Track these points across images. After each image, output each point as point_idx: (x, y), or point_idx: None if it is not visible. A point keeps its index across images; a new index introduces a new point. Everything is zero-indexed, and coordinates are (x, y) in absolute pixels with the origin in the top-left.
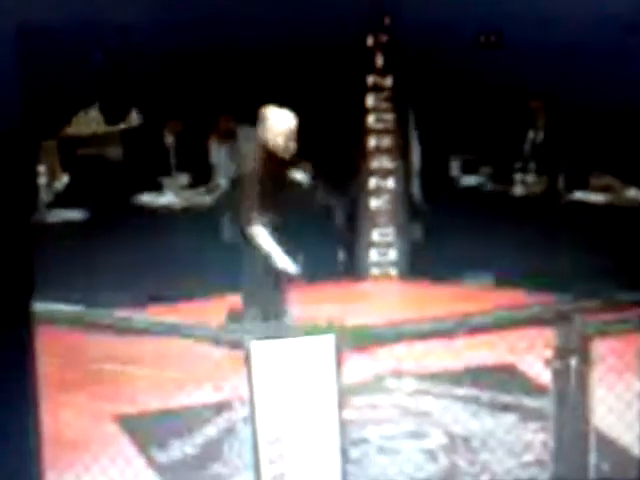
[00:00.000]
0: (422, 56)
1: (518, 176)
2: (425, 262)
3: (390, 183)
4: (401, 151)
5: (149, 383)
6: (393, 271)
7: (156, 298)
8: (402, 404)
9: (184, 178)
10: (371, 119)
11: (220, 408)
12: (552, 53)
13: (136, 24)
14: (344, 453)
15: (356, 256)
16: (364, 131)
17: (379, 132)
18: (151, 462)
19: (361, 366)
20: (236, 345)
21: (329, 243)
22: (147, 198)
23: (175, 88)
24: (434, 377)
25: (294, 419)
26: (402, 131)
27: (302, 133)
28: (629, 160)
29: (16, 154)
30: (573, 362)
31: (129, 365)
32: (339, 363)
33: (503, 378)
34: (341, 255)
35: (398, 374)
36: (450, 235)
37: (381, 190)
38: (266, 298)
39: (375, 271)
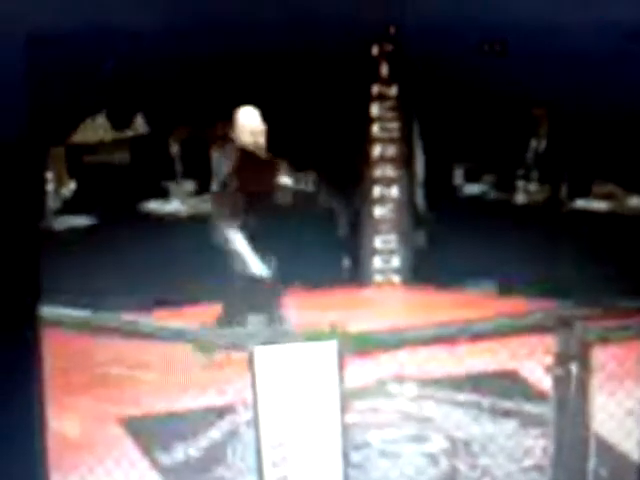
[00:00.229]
0: (427, 65)
1: (521, 184)
2: (428, 269)
3: (394, 191)
4: (405, 160)
5: (154, 386)
6: (396, 278)
7: (162, 303)
8: (404, 409)
9: (190, 185)
10: (376, 128)
11: (224, 412)
12: (555, 61)
13: (144, 32)
14: (346, 457)
15: (360, 263)
16: (368, 140)
17: (383, 141)
18: (155, 464)
19: (363, 371)
20: (240, 350)
21: (332, 249)
22: (153, 205)
23: (182, 95)
24: (436, 382)
25: (297, 423)
26: (406, 140)
27: (307, 141)
28: (631, 168)
29: (24, 161)
30: (574, 368)
31: (134, 369)
32: (341, 368)
33: (504, 384)
34: (346, 262)
35: (400, 379)
36: (453, 242)
37: (385, 198)
38: (249, 304)
39: (378, 278)
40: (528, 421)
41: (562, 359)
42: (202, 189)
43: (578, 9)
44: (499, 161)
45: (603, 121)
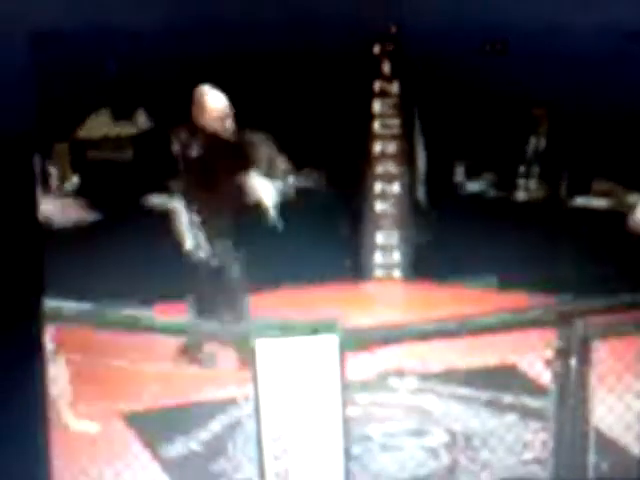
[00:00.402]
0: (427, 63)
1: (521, 182)
2: (429, 265)
3: (395, 188)
4: (406, 156)
5: (155, 379)
6: (397, 273)
7: (165, 296)
8: (405, 402)
9: None
10: (377, 125)
11: (225, 405)
12: (555, 60)
13: (146, 31)
14: (347, 450)
15: (361, 258)
16: (370, 137)
17: (385, 138)
18: (157, 457)
19: (364, 364)
20: (241, 343)
21: (333, 245)
22: (157, 200)
23: (185, 94)
24: (436, 376)
25: (298, 416)
26: (407, 137)
27: (308, 138)
28: (631, 166)
29: (28, 157)
30: (573, 363)
31: (136, 362)
32: (342, 362)
33: (504, 378)
34: (347, 262)
35: (401, 373)
36: (454, 239)
37: (386, 194)
38: (213, 301)
39: (379, 273)
40: (528, 415)
41: (562, 353)
42: None
43: (578, 9)
44: (500, 159)
45: (603, 120)
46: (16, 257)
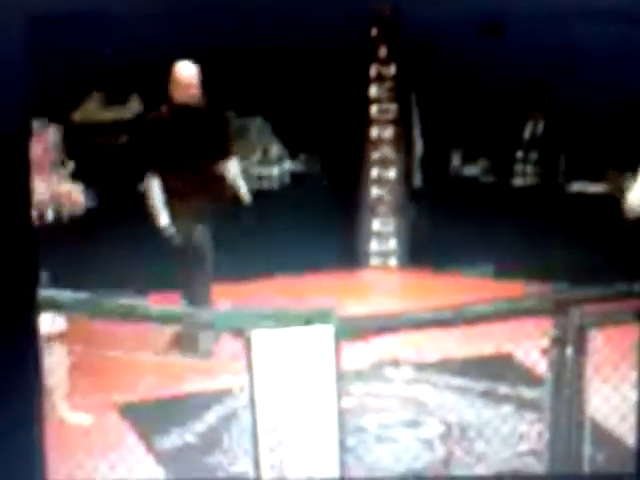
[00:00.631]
0: (424, 47)
1: (518, 167)
2: (425, 253)
3: (392, 173)
4: (403, 141)
5: (150, 370)
6: (393, 261)
7: (160, 286)
8: (400, 393)
9: None
10: (374, 109)
11: (220, 396)
12: (553, 45)
13: (143, 15)
14: (342, 441)
15: (356, 245)
16: (367, 121)
17: (381, 122)
18: (151, 449)
19: (359, 355)
20: (236, 333)
21: (329, 232)
22: None
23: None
24: (432, 366)
25: (293, 407)
26: (404, 121)
27: (304, 124)
28: (629, 151)
29: (23, 142)
30: (569, 352)
31: (131, 353)
32: (338, 352)
33: (500, 368)
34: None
35: (396, 363)
36: (450, 225)
37: (382, 180)
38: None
39: (375, 261)
40: (524, 406)
41: (558, 342)
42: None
43: None
44: (496, 143)
45: (600, 105)
46: (10, 247)
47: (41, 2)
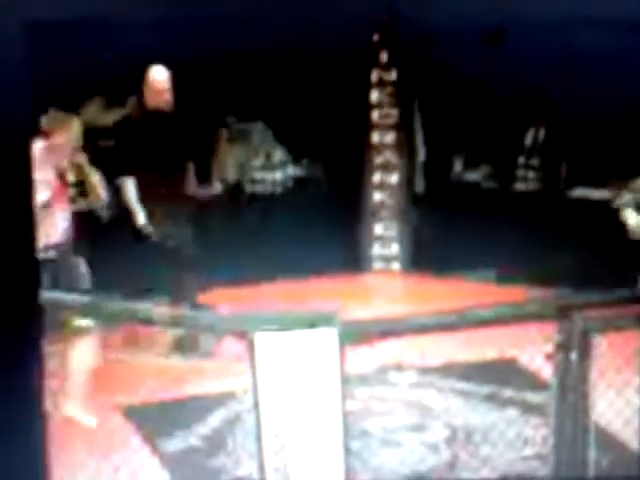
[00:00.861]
0: (425, 53)
1: (520, 173)
2: (427, 257)
3: (394, 178)
4: (405, 146)
5: (154, 373)
6: (396, 265)
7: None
8: (404, 397)
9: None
10: (375, 114)
11: (224, 399)
12: (555, 51)
13: (143, 20)
14: (346, 445)
15: (359, 250)
16: (368, 126)
17: (383, 127)
18: (156, 452)
19: (364, 358)
20: (240, 336)
21: (332, 236)
22: None
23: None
24: (436, 370)
25: (297, 411)
26: (406, 126)
27: (307, 129)
28: (630, 157)
29: (24, 146)
30: (573, 357)
31: (135, 355)
32: (342, 355)
33: (504, 372)
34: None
35: (400, 367)
36: (452, 231)
37: (385, 185)
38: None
39: (378, 265)
40: (528, 410)
41: (562, 348)
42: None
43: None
44: (498, 149)
45: (602, 111)
46: (12, 249)
47: (39, 8)
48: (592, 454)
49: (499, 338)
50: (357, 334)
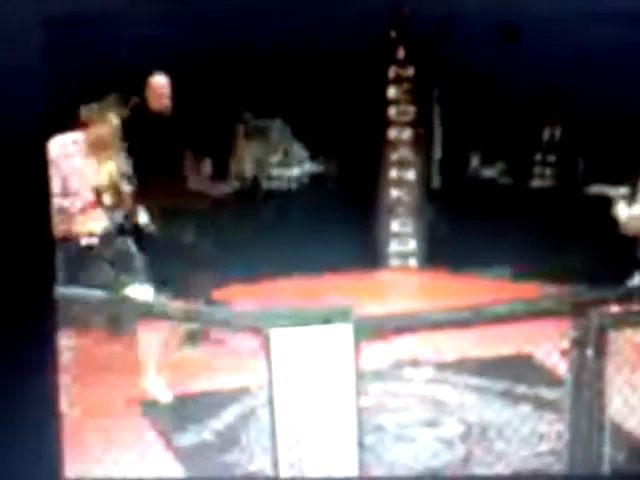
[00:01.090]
0: (442, 50)
1: (537, 169)
2: (443, 253)
3: (410, 174)
4: (422, 143)
5: (169, 368)
6: (412, 262)
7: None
8: (419, 392)
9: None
10: (392, 111)
11: (239, 394)
12: (572, 48)
13: (159, 18)
14: (360, 440)
15: (376, 246)
16: (385, 123)
17: (400, 124)
18: (170, 447)
19: (379, 354)
20: (255, 331)
21: (349, 233)
22: None
23: (197, 82)
24: (451, 366)
25: (312, 406)
26: (423, 123)
27: (324, 126)
28: None
29: (40, 143)
30: (589, 353)
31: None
32: (357, 351)
33: (519, 368)
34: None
35: (415, 362)
36: (468, 227)
37: (401, 181)
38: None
39: (395, 261)
40: (543, 406)
41: (578, 344)
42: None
43: None
44: (514, 146)
45: (618, 107)
46: (27, 246)
47: (56, 3)
48: (607, 450)
49: (514, 334)
50: (372, 330)
